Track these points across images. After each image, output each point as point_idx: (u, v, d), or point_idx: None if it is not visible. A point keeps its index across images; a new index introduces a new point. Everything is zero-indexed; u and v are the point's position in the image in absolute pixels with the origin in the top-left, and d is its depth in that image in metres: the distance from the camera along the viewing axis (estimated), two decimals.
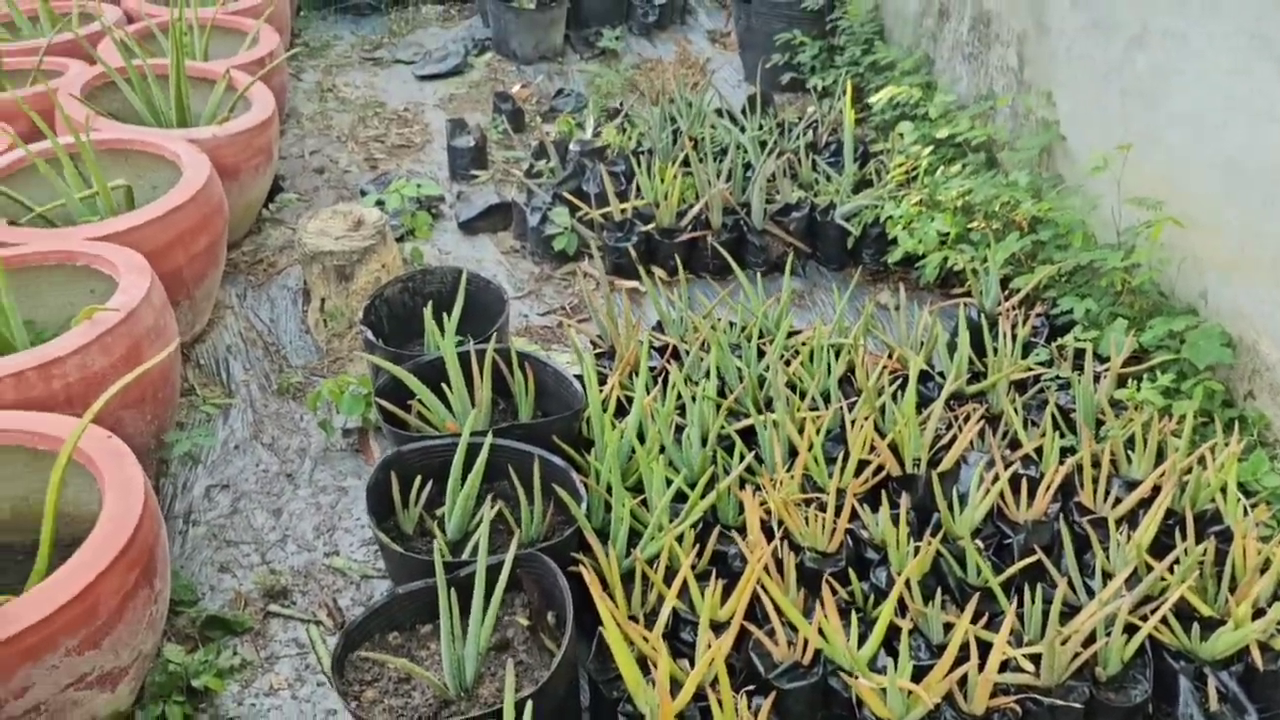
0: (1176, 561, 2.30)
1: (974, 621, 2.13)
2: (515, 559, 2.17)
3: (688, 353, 3.06)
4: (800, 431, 2.68)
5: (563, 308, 3.84)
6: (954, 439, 2.70)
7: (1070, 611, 2.24)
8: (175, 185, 3.30)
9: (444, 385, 2.74)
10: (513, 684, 1.90)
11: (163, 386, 2.84)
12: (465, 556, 2.33)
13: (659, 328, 3.32)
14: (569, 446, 2.65)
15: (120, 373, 2.48)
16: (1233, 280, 2.83)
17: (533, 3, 5.79)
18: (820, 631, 2.16)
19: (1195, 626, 2.21)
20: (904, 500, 2.48)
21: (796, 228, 3.95)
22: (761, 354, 3.09)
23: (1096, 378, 2.89)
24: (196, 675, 2.37)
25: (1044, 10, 3.67)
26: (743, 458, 2.63)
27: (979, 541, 2.45)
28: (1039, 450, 2.70)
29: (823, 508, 2.47)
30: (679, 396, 2.81)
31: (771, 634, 2.20)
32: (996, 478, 2.52)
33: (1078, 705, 2.09)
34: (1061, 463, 2.59)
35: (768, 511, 2.47)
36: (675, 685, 2.02)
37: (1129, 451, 2.67)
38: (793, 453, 2.69)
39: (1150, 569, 2.29)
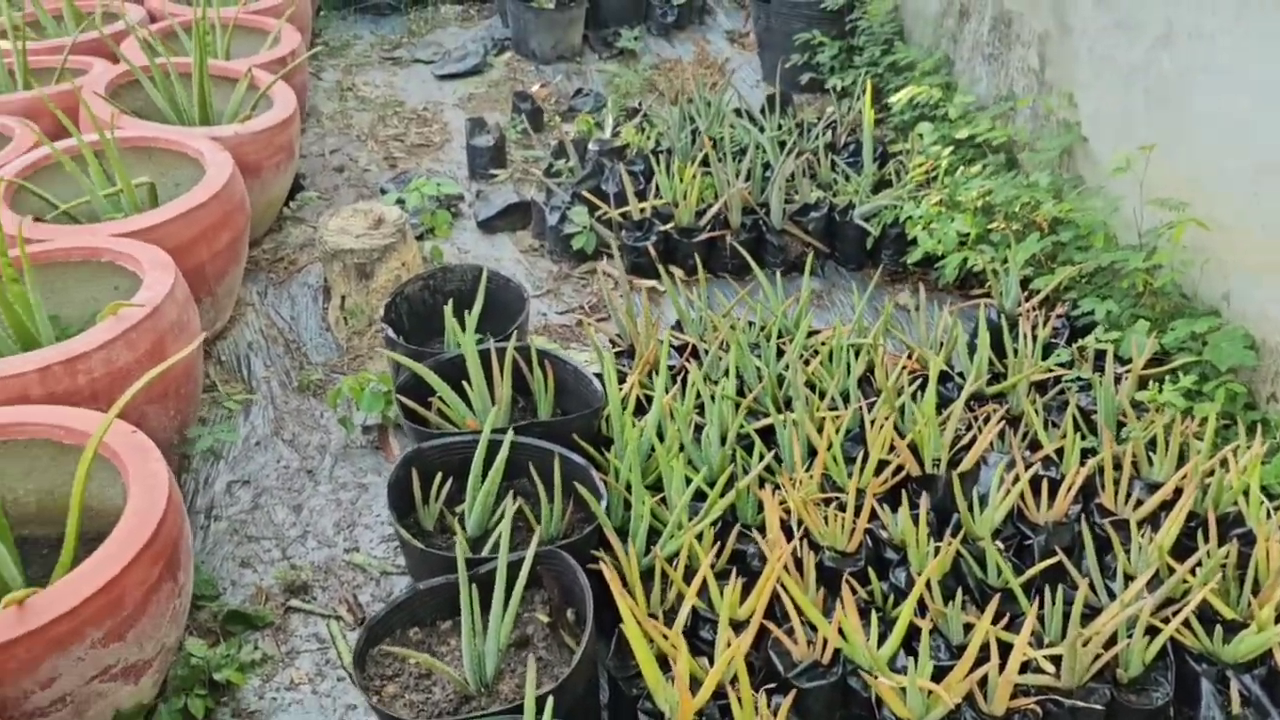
0: (1199, 564, 2.28)
1: (994, 622, 2.12)
2: (535, 556, 2.18)
3: (707, 352, 3.06)
4: (819, 431, 2.68)
5: (582, 306, 3.85)
6: (974, 440, 2.69)
7: (1091, 613, 2.23)
8: (198, 182, 3.33)
9: (464, 383, 2.75)
10: (534, 680, 1.91)
11: (186, 382, 2.87)
12: (485, 553, 2.34)
13: (678, 327, 3.33)
14: (588, 444, 2.65)
15: (144, 368, 2.50)
16: (1261, 282, 2.81)
17: (552, 2, 5.81)
18: (840, 631, 2.16)
19: (1218, 629, 2.19)
20: (924, 500, 2.47)
21: (815, 228, 3.95)
22: (780, 353, 3.09)
23: (1118, 379, 2.87)
24: (218, 669, 2.39)
25: (1066, 11, 3.66)
26: (762, 457, 2.63)
27: (999, 542, 2.44)
28: (1059, 451, 2.69)
29: (842, 507, 2.47)
30: (698, 395, 2.81)
31: (791, 633, 2.19)
32: (1017, 478, 2.51)
33: (1099, 707, 2.08)
34: (1082, 464, 2.58)
35: (787, 510, 2.47)
36: (695, 683, 2.02)
37: (1150, 453, 2.66)
38: (812, 452, 2.69)
39: (1172, 571, 2.27)
